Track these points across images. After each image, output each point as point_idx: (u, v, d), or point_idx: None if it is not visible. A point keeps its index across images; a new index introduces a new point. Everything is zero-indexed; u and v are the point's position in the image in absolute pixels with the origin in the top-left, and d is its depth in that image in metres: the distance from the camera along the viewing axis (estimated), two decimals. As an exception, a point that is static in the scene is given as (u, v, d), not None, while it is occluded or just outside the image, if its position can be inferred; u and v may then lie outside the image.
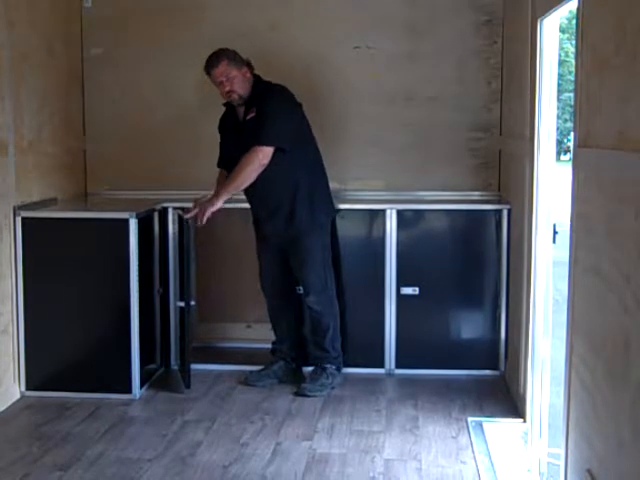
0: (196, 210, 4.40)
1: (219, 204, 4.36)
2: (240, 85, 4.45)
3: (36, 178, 4.68)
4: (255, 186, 4.45)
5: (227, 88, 4.45)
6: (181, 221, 4.61)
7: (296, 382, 4.67)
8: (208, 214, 4.34)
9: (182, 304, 4.60)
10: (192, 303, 4.61)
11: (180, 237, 4.85)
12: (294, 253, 4.58)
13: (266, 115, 4.36)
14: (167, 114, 5.28)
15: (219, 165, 4.71)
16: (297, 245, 4.55)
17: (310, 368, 4.75)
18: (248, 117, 4.46)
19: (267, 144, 4.33)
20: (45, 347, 4.50)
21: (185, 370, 4.58)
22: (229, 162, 4.57)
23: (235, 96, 4.48)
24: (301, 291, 4.69)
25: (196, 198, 4.50)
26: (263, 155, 4.33)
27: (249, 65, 4.51)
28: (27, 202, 4.53)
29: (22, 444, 3.90)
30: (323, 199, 4.63)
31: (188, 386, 4.56)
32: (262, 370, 4.77)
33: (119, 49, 5.28)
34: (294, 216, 4.51)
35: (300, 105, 4.54)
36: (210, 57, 4.46)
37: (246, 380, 4.72)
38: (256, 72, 4.56)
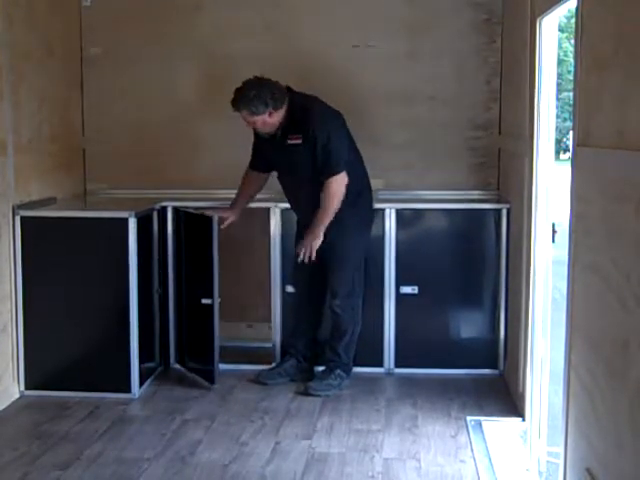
0: (302, 248, 4.48)
1: (322, 235, 4.48)
2: (261, 126, 4.48)
3: (35, 177, 4.67)
4: (297, 202, 4.65)
5: (250, 126, 4.52)
6: (205, 220, 4.56)
7: (307, 381, 4.66)
8: (316, 248, 4.48)
9: (209, 301, 4.57)
10: (218, 300, 4.57)
11: (177, 235, 4.86)
12: (328, 257, 4.60)
13: (326, 146, 4.42)
14: (166, 113, 5.27)
15: (251, 167, 4.74)
16: (331, 251, 4.58)
17: (321, 368, 4.76)
18: (291, 141, 4.48)
19: (339, 172, 4.45)
20: (44, 346, 4.50)
21: (211, 366, 4.57)
22: (262, 166, 4.70)
23: (259, 131, 4.55)
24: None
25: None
26: (341, 182, 4.46)
27: (278, 98, 4.41)
28: (26, 201, 4.53)
29: (21, 443, 3.89)
30: (363, 206, 4.65)
31: (214, 382, 4.58)
32: (274, 368, 4.80)
33: (118, 48, 5.28)
34: (332, 232, 4.53)
35: (341, 115, 4.57)
36: (234, 97, 4.40)
37: (258, 378, 4.73)
38: (290, 86, 4.55)
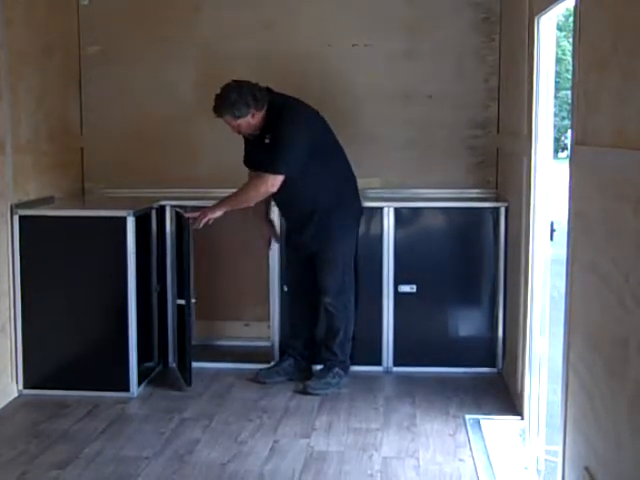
0: (197, 213, 4.46)
1: (219, 213, 4.48)
2: (245, 129, 4.49)
3: (33, 176, 4.67)
4: (283, 203, 4.64)
5: (234, 130, 4.52)
6: (180, 219, 4.61)
7: (305, 380, 4.65)
8: (206, 220, 4.45)
9: (182, 302, 4.59)
10: (193, 301, 4.59)
11: (178, 235, 4.86)
12: (317, 256, 4.63)
13: (278, 144, 4.40)
14: (164, 112, 5.27)
15: (245, 163, 4.73)
16: (320, 251, 4.60)
17: (319, 366, 4.76)
18: (266, 141, 4.48)
19: (277, 173, 4.40)
20: (43, 345, 4.50)
21: (186, 367, 4.58)
22: (251, 165, 4.67)
23: (243, 134, 4.56)
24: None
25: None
26: (272, 183, 4.41)
27: (259, 98, 4.39)
28: (24, 200, 4.53)
29: (20, 442, 3.89)
30: (349, 205, 4.66)
31: (189, 383, 4.57)
32: (272, 367, 4.81)
33: (117, 47, 5.27)
34: (320, 231, 4.56)
35: (315, 118, 4.52)
36: (215, 103, 4.40)
37: (256, 377, 4.73)
38: (270, 87, 4.53)
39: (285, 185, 4.44)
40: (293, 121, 4.44)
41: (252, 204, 4.55)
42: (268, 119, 4.46)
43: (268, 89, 4.52)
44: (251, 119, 4.43)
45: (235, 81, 4.43)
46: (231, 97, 4.36)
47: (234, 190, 4.71)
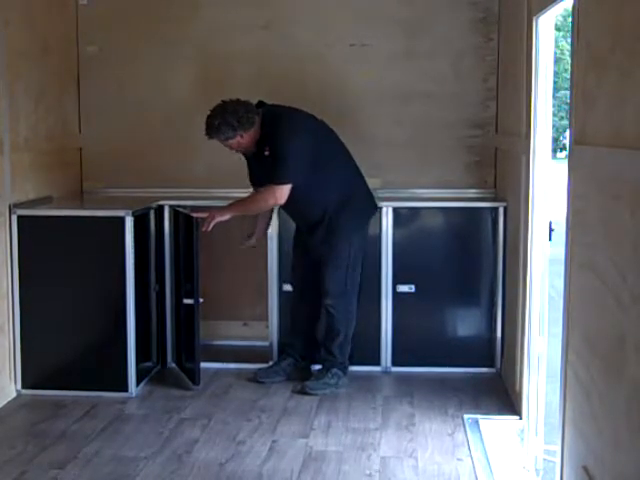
0: (205, 214, 4.46)
1: (227, 216, 4.49)
2: (238, 147, 4.52)
3: (32, 176, 4.67)
4: (293, 211, 4.66)
5: (228, 149, 4.56)
6: (187, 220, 4.59)
7: (304, 380, 4.65)
8: (215, 222, 4.45)
9: (190, 301, 4.58)
10: (200, 300, 4.58)
11: (176, 234, 4.86)
12: (321, 257, 4.63)
13: (278, 155, 4.42)
14: (163, 112, 5.27)
15: (251, 182, 4.74)
16: (324, 250, 4.60)
17: (317, 366, 4.76)
18: (266, 153, 4.49)
19: (282, 183, 4.42)
20: (41, 345, 4.49)
21: (194, 366, 4.57)
22: (255, 181, 4.69)
23: (239, 152, 4.59)
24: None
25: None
26: (280, 194, 4.44)
27: (244, 120, 4.40)
28: (23, 200, 4.53)
29: (18, 442, 3.89)
30: (357, 206, 4.66)
31: (197, 382, 4.57)
32: (271, 367, 4.81)
33: (115, 47, 5.27)
34: (328, 233, 4.57)
35: (312, 122, 4.53)
36: (206, 127, 4.44)
37: (255, 376, 4.74)
38: (263, 100, 4.55)
39: (292, 194, 4.45)
40: (289, 129, 4.45)
41: (258, 213, 4.65)
42: (263, 132, 4.48)
43: (260, 103, 4.53)
44: (240, 139, 4.46)
45: (223, 102, 4.44)
46: (215, 122, 4.40)
47: (232, 190, 4.74)
